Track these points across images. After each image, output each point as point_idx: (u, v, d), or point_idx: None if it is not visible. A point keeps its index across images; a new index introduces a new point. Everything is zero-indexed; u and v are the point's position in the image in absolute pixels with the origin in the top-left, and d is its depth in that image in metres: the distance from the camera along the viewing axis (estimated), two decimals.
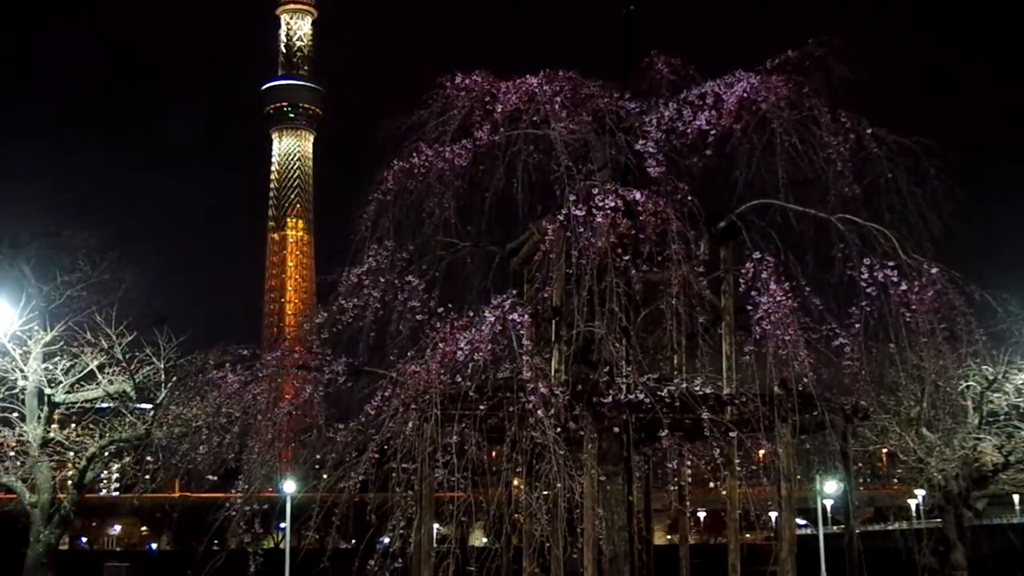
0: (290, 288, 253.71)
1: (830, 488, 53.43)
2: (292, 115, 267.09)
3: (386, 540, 16.64)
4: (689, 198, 17.20)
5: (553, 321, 17.75)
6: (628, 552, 17.77)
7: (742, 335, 17.62)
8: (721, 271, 18.27)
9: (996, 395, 44.88)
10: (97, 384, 40.64)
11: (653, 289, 17.53)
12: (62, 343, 39.62)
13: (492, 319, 16.14)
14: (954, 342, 17.19)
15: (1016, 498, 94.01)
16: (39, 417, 39.80)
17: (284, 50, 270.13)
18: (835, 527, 68.16)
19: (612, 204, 16.46)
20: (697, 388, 16.63)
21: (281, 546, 59.96)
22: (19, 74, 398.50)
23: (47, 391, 39.78)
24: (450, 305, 17.26)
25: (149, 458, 43.97)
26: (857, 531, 23.10)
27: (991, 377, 43.43)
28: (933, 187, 16.99)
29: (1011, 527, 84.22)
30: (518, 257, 19.00)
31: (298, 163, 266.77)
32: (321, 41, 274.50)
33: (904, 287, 16.43)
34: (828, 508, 65.43)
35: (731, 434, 16.39)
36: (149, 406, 40.91)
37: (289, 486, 48.72)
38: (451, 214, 17.95)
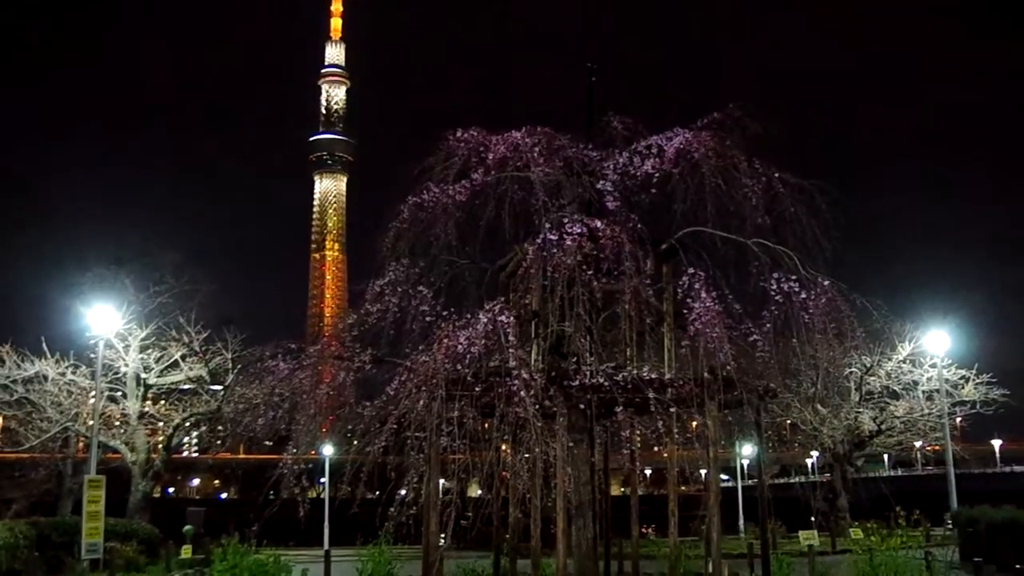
0: (328, 296, 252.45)
1: (746, 451, 53.56)
2: (330, 162, 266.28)
3: (403, 492, 16.45)
4: (639, 226, 17.08)
5: (533, 322, 17.59)
6: (591, 501, 17.60)
7: (680, 333, 17.48)
8: (663, 283, 18.15)
9: (872, 378, 45.17)
10: (180, 370, 40.88)
11: (611, 297, 17.36)
12: (154, 339, 39.89)
13: (485, 320, 15.95)
14: (841, 338, 17.12)
15: (886, 457, 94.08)
16: (137, 395, 40.03)
17: (324, 111, 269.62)
18: (750, 480, 68.02)
19: (579, 230, 16.35)
20: (645, 374, 16.47)
21: (322, 496, 59.46)
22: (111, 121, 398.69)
23: (143, 375, 40.00)
24: (452, 309, 17.06)
25: (220, 428, 43.99)
26: (767, 484, 23.03)
27: (868, 364, 43.68)
28: (825, 218, 16.92)
29: (882, 479, 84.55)
30: (505, 272, 18.83)
31: (334, 199, 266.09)
32: (353, 104, 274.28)
33: (803, 295, 16.38)
34: (745, 466, 65.39)
35: (671, 409, 16.24)
36: (219, 387, 41.05)
37: (327, 450, 48.53)
38: (453, 238, 17.77)
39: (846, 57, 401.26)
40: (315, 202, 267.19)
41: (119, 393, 40.34)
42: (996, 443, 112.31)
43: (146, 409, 41.04)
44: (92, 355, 36.09)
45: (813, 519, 47.13)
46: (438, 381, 15.44)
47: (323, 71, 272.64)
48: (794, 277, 16.52)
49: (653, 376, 16.53)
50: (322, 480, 57.35)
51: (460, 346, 15.68)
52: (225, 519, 47.89)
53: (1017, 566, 18.15)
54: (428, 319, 17.04)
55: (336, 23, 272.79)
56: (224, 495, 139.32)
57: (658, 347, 18.21)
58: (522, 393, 14.82)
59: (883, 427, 46.87)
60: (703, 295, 16.00)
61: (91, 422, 35.53)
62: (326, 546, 41.39)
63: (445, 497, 16.84)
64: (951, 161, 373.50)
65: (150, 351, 40.09)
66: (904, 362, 45.63)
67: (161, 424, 42.55)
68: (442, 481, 18.65)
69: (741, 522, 55.76)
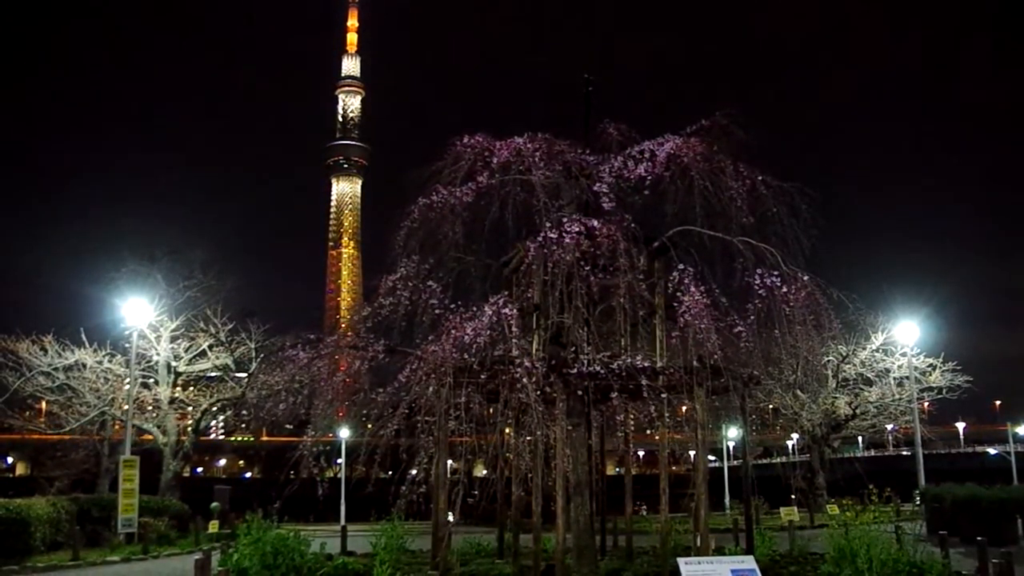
0: (344, 290, 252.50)
1: (732, 433, 53.46)
2: (346, 165, 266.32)
3: (414, 472, 16.41)
4: (632, 225, 16.94)
5: (534, 314, 17.54)
6: (588, 480, 17.55)
7: (670, 324, 17.41)
8: (655, 278, 18.03)
9: (847, 366, 45.22)
10: (208, 359, 41.02)
11: (606, 291, 17.26)
12: (183, 330, 40.07)
13: (490, 312, 15.87)
14: (819, 329, 16.97)
15: (860, 439, 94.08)
16: (168, 382, 40.20)
17: (340, 119, 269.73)
18: (735, 461, 67.95)
19: (576, 229, 16.23)
20: (638, 362, 16.34)
21: (338, 476, 59.45)
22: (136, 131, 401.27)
23: (173, 364, 40.18)
24: (459, 302, 16.98)
25: (244, 412, 44.22)
26: (751, 464, 23.00)
27: (844, 353, 43.74)
28: (804, 218, 16.80)
29: (856, 459, 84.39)
30: (509, 268, 18.76)
31: (350, 200, 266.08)
32: (367, 111, 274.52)
33: (784, 290, 16.24)
34: (730, 448, 65.35)
35: (662, 395, 16.17)
36: (244, 375, 41.20)
37: (344, 433, 48.59)
38: (460, 237, 17.67)
39: (826, 51, 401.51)
40: (332, 203, 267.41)
41: (151, 380, 40.52)
42: (960, 425, 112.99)
43: (176, 395, 41.23)
44: (127, 345, 36.28)
45: (793, 496, 47.18)
46: (446, 369, 15.39)
47: (339, 82, 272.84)
48: (776, 273, 16.41)
49: (646, 364, 16.44)
50: (339, 461, 57.33)
51: (467, 337, 15.61)
52: (249, 497, 47.95)
53: (978, 538, 18.11)
54: (437, 311, 16.95)
55: (352, 38, 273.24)
56: (248, 475, 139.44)
57: (650, 338, 18.14)
58: (524, 380, 14.75)
59: (857, 411, 46.96)
60: (692, 289, 15.91)
61: (126, 407, 35.66)
62: (342, 522, 41.50)
63: (453, 477, 16.86)
64: (921, 158, 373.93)
65: (180, 341, 40.26)
66: (877, 351, 45.74)
67: (190, 409, 42.72)
68: (450, 462, 18.63)
69: (727, 499, 55.89)
